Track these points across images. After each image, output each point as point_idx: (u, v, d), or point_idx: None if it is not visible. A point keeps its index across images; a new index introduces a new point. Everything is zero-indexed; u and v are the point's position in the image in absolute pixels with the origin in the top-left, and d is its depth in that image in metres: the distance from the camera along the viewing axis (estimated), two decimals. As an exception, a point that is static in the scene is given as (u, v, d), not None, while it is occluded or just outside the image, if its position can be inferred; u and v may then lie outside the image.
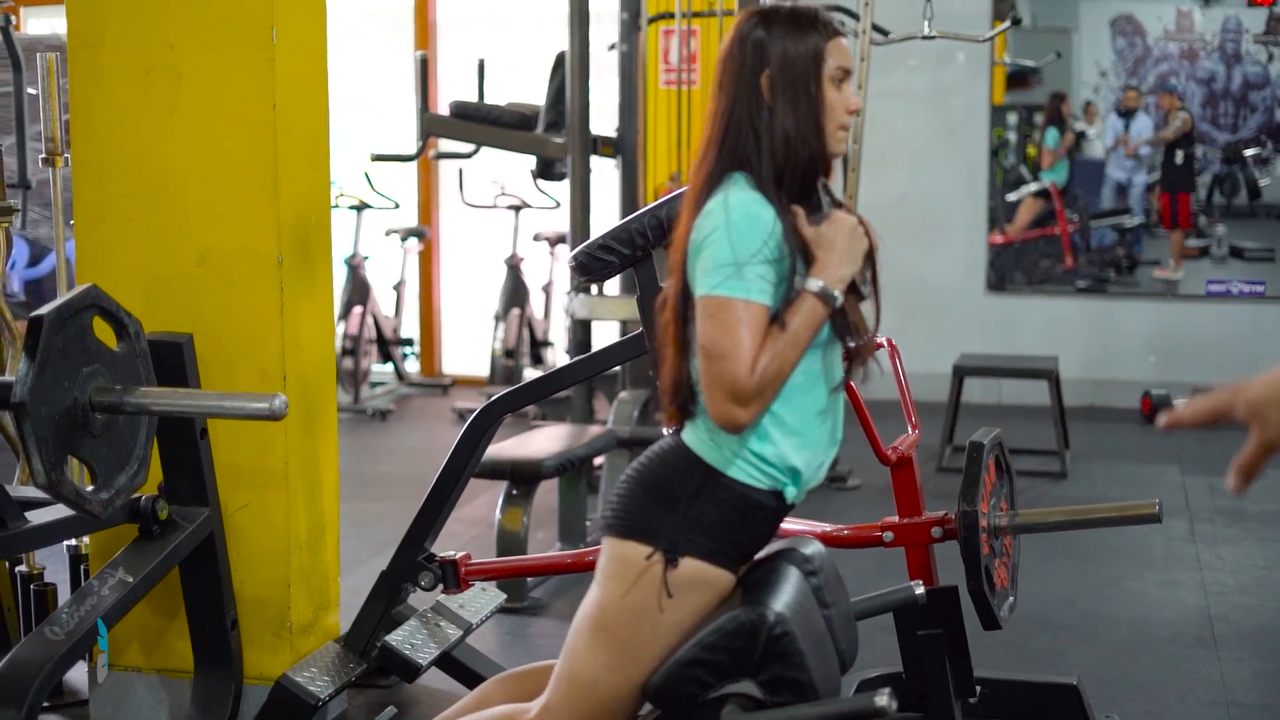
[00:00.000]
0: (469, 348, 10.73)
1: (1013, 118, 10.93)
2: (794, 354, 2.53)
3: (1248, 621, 5.13)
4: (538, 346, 9.97)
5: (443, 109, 7.32)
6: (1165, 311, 10.03)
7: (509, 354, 9.47)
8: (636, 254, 3.72)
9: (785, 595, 2.57)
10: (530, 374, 10.03)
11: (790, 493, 2.64)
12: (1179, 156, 13.50)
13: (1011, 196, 11.41)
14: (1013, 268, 10.51)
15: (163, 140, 3.82)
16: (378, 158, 7.50)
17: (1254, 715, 4.25)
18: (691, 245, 2.60)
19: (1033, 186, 13.77)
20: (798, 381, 2.59)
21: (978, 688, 3.89)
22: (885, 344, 4.01)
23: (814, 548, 2.78)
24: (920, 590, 3.07)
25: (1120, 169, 12.72)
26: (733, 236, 2.52)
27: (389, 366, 10.20)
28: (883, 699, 2.34)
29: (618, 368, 6.94)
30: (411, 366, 10.68)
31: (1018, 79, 10.74)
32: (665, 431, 2.75)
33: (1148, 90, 13.48)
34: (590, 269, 3.74)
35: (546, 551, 5.83)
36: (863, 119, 7.28)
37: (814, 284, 2.55)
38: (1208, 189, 17.54)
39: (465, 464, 3.98)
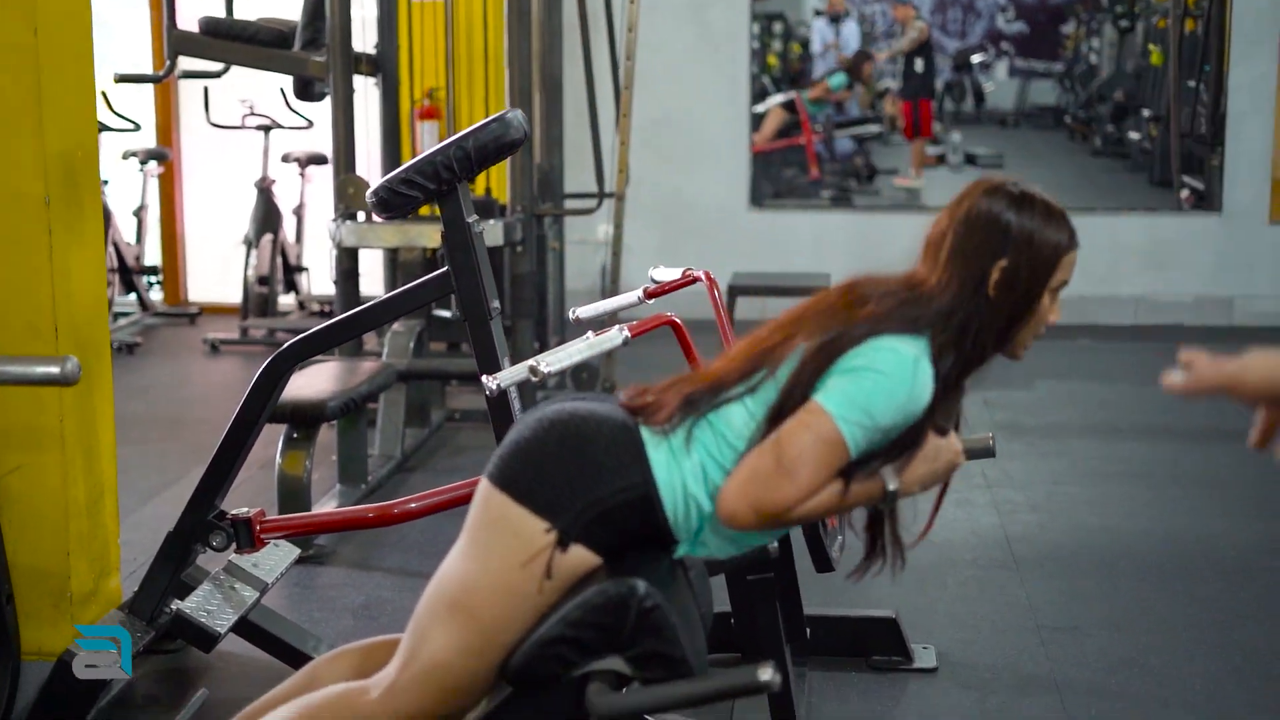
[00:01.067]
0: (216, 274, 10.26)
1: (755, 27, 10.84)
2: (828, 513, 2.44)
3: (1043, 540, 5.16)
4: (291, 273, 9.59)
5: (189, 25, 6.88)
6: (925, 224, 10.08)
7: (262, 281, 9.08)
8: (441, 188, 3.49)
9: (650, 565, 2.40)
10: (285, 301, 9.67)
11: (679, 549, 2.50)
12: (919, 65, 13.67)
13: (759, 108, 11.37)
14: (760, 179, 10.45)
15: (-93, 69, 3.44)
16: (121, 78, 7.04)
17: (1065, 638, 4.24)
18: (856, 353, 2.39)
19: (779, 97, 13.81)
20: None
21: (807, 630, 3.82)
22: (703, 277, 3.85)
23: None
24: (774, 545, 2.94)
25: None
26: (893, 401, 2.36)
27: (132, 297, 9.70)
28: (766, 673, 2.18)
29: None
30: (155, 296, 10.18)
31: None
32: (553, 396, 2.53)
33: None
34: (391, 204, 3.50)
35: (327, 494, 5.57)
36: (635, 35, 7.08)
37: (892, 484, 2.44)
38: (939, 97, 17.87)
39: (258, 416, 3.70)
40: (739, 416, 2.44)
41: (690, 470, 2.43)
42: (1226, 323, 9.74)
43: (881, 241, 9.99)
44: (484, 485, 2.47)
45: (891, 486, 2.44)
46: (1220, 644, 4.22)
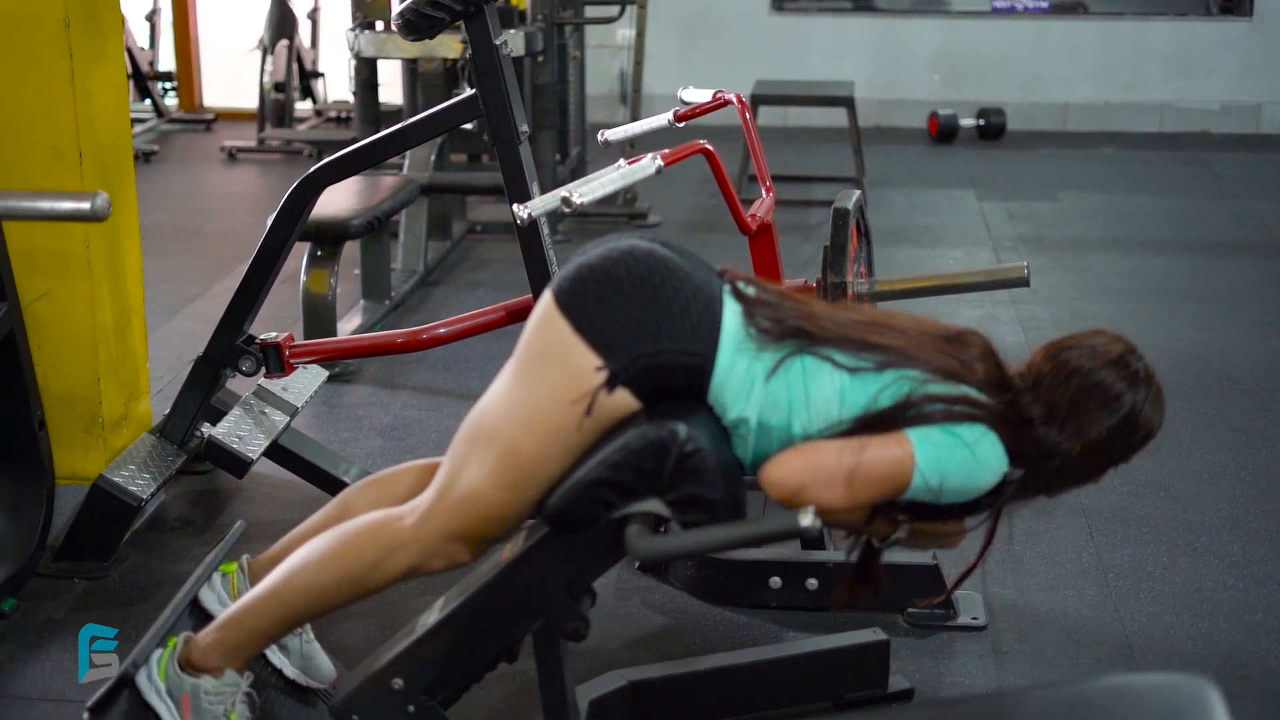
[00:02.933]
0: (231, 79, 10.14)
1: None
2: (843, 523, 2.51)
3: (1068, 358, 5.14)
4: (307, 78, 9.48)
5: None
6: (950, 29, 9.92)
7: (279, 88, 8.98)
8: (469, 8, 3.42)
9: (690, 411, 2.39)
10: (301, 107, 9.57)
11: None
12: None
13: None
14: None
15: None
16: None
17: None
18: (964, 428, 2.39)
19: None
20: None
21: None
22: (734, 99, 3.79)
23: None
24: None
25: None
26: (965, 485, 2.41)
27: (147, 103, 9.61)
28: (806, 519, 2.19)
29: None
30: (170, 102, 10.08)
31: None
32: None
33: None
34: (419, 26, 3.43)
35: (351, 310, 5.57)
36: None
37: (902, 533, 2.51)
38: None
39: (285, 240, 3.67)
40: (829, 387, 2.42)
41: (760, 388, 2.40)
42: (1254, 130, 9.62)
43: (903, 46, 9.82)
44: (548, 302, 2.42)
45: (900, 535, 2.51)
46: (1244, 466, 4.23)
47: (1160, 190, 8.03)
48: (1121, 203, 7.76)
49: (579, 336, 2.37)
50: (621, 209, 7.09)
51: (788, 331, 2.43)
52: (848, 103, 7.46)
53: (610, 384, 2.35)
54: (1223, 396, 4.81)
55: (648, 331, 2.36)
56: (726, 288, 2.47)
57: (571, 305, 2.39)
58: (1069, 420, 2.45)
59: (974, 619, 3.32)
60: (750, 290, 2.48)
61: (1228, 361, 5.15)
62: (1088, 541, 3.76)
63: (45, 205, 2.78)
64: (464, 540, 2.52)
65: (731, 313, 2.42)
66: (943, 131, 9.22)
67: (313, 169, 3.61)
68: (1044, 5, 9.93)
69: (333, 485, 3.79)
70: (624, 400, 2.37)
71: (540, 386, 2.40)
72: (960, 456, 2.38)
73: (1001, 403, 2.43)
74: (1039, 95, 9.71)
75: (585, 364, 2.36)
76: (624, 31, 9.08)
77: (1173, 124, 9.69)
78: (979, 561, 2.66)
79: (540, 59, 6.64)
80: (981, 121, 9.33)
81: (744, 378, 2.40)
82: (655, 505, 2.33)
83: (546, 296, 2.43)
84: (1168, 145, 9.28)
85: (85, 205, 2.70)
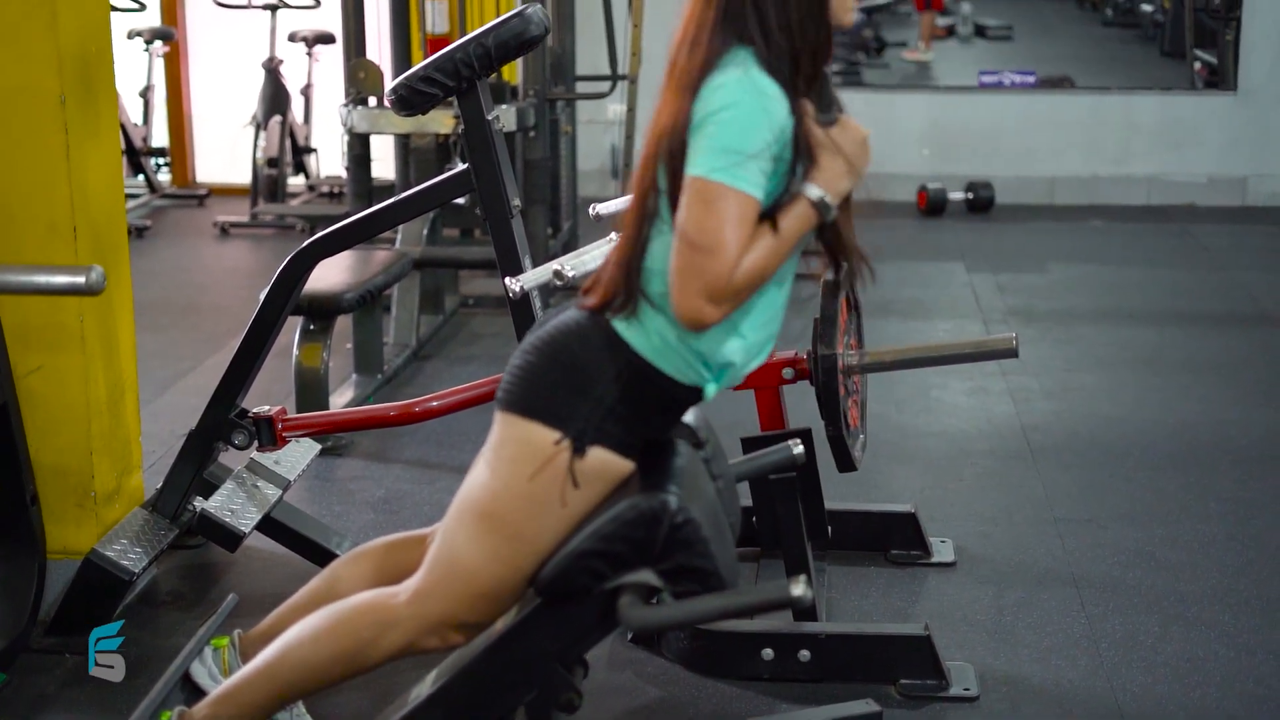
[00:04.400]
0: (224, 155, 10.19)
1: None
2: (778, 259, 2.36)
3: (1058, 429, 5.17)
4: (300, 154, 9.53)
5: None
6: (938, 104, 10.00)
7: (272, 163, 9.01)
8: (461, 85, 3.47)
9: (682, 477, 2.41)
10: (294, 183, 9.61)
11: (710, 390, 2.48)
12: (932, -62, 13.55)
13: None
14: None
15: (-82, -34, 3.39)
16: (127, -40, 6.94)
17: (1081, 530, 4.27)
18: (695, 118, 2.33)
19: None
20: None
21: (829, 526, 3.84)
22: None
23: (693, 413, 2.62)
24: (799, 450, 2.95)
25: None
26: (745, 122, 2.29)
27: (140, 179, 9.65)
28: (798, 588, 2.20)
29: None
30: (163, 177, 10.12)
31: None
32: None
33: None
34: (412, 102, 3.48)
35: (344, 384, 5.59)
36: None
37: (814, 192, 2.37)
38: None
39: (278, 314, 3.70)
40: (660, 247, 2.42)
41: (661, 321, 2.42)
42: (1240, 203, 9.68)
43: (892, 120, 9.88)
44: (497, 414, 2.48)
45: (814, 195, 2.37)
46: (1234, 536, 4.24)
47: (1148, 262, 8.08)
48: (1110, 274, 7.80)
49: (531, 421, 2.41)
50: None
51: (622, 284, 2.43)
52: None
53: (578, 449, 2.38)
54: (1213, 466, 4.82)
55: (579, 386, 2.40)
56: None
57: (513, 402, 2.45)
58: None
59: (966, 690, 3.32)
60: (590, 294, 2.49)
61: (1217, 431, 5.16)
62: (1079, 611, 3.76)
63: (40, 279, 2.81)
64: (458, 622, 2.53)
65: (621, 324, 2.44)
66: (932, 205, 9.28)
67: (306, 243, 3.64)
68: (1031, 80, 10.01)
69: (325, 559, 3.78)
70: (602, 459, 2.39)
71: (514, 468, 2.43)
72: (713, 126, 2.31)
73: (694, 45, 2.37)
74: (1027, 169, 9.77)
75: (545, 439, 2.39)
76: (615, 107, 9.13)
77: (1160, 197, 9.74)
78: (811, 153, 2.41)
79: (532, 134, 6.69)
80: (970, 195, 9.38)
81: (658, 330, 2.42)
82: (647, 576, 2.34)
83: (495, 410, 2.48)
84: (1155, 218, 9.33)
85: (80, 279, 2.72)
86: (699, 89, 2.34)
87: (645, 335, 2.42)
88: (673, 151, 2.35)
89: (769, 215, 2.35)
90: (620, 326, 2.43)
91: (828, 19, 2.41)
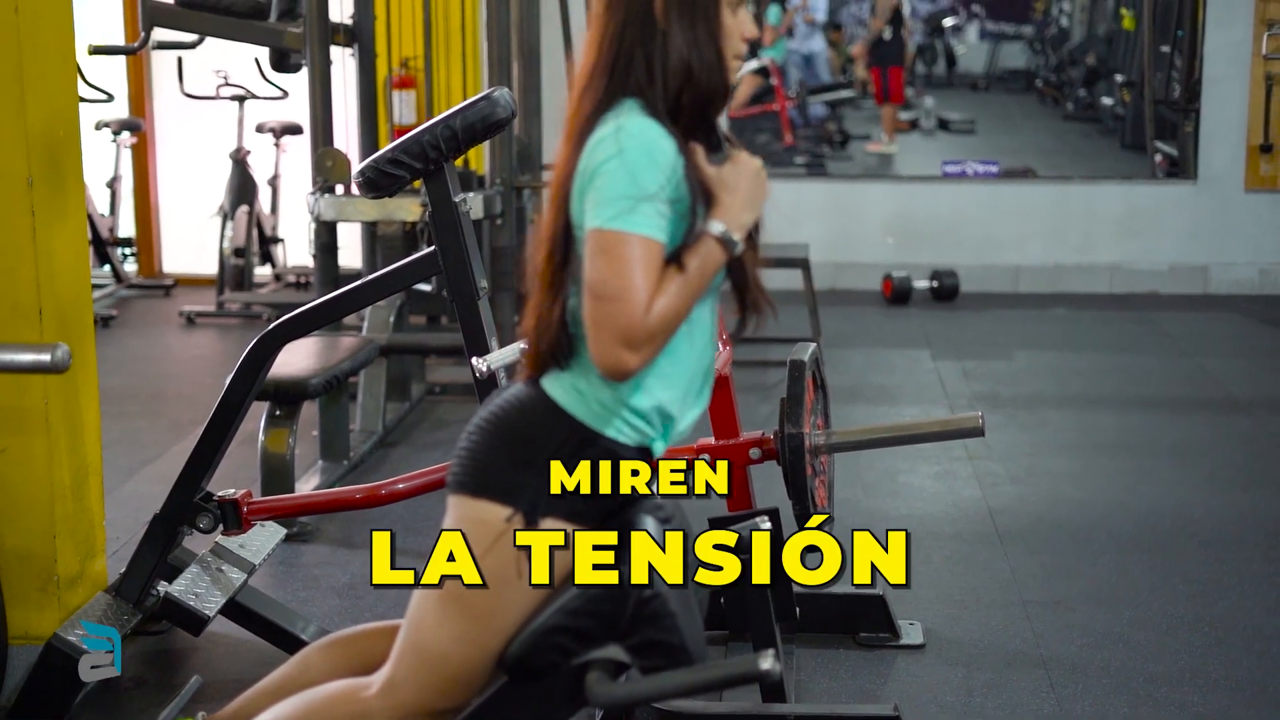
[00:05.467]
0: (191, 246, 10.21)
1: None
2: (690, 299, 2.33)
3: (1024, 513, 5.17)
4: (267, 244, 9.54)
5: (164, -4, 6.81)
6: (902, 193, 10.09)
7: (238, 253, 9.03)
8: (429, 167, 3.48)
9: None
10: (261, 273, 9.62)
11: (658, 447, 2.47)
12: (887, 32, 13.72)
13: (734, 75, 11.30)
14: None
15: (-113, 49, 3.40)
16: (96, 50, 6.93)
17: (1050, 613, 4.27)
18: (580, 175, 2.35)
19: (752, 64, 13.78)
20: (679, 329, 2.38)
21: (797, 608, 3.83)
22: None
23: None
24: (768, 526, 2.94)
25: (802, 39, 12.82)
26: (631, 168, 2.28)
27: (106, 269, 9.65)
28: (767, 662, 2.19)
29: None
30: (130, 268, 10.12)
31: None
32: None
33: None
34: (379, 184, 3.49)
35: (309, 470, 5.56)
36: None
37: (716, 227, 2.34)
38: (911, 60, 17.86)
39: (244, 395, 3.68)
40: (574, 304, 2.42)
41: (593, 381, 2.41)
42: (1202, 291, 9.77)
43: (857, 210, 9.98)
44: (448, 498, 2.47)
45: (716, 230, 2.35)
46: (1202, 618, 4.24)
47: (1112, 349, 8.13)
48: (1075, 361, 7.84)
49: (479, 500, 2.40)
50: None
51: (545, 346, 2.44)
52: (803, 264, 7.57)
53: (530, 523, 2.36)
54: (1178, 549, 4.83)
55: (521, 459, 2.39)
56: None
57: (461, 483, 2.44)
58: (623, 16, 2.37)
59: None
60: (522, 362, 2.51)
61: (1182, 514, 5.18)
62: (1049, 692, 3.75)
63: (5, 357, 2.80)
64: (432, 708, 2.50)
65: (553, 383, 2.44)
66: (897, 293, 9.33)
67: (273, 324, 3.64)
68: (994, 170, 10.11)
69: (291, 643, 3.76)
70: (556, 529, 2.37)
71: (477, 549, 2.41)
72: (601, 179, 2.31)
73: (582, 99, 2.40)
74: (991, 257, 9.85)
75: (495, 516, 2.38)
76: (581, 196, 9.17)
77: (1123, 285, 9.83)
78: (707, 191, 2.39)
79: (499, 221, 6.72)
80: (935, 283, 9.45)
81: (590, 391, 2.42)
82: (615, 651, 2.33)
83: (447, 493, 2.47)
84: (1118, 305, 9.41)
85: (46, 357, 2.71)
86: (584, 138, 2.36)
87: (581, 399, 2.41)
88: (563, 201, 2.38)
89: (676, 259, 2.34)
90: (557, 394, 2.42)
91: (715, 76, 2.41)
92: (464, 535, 2.40)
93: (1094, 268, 9.86)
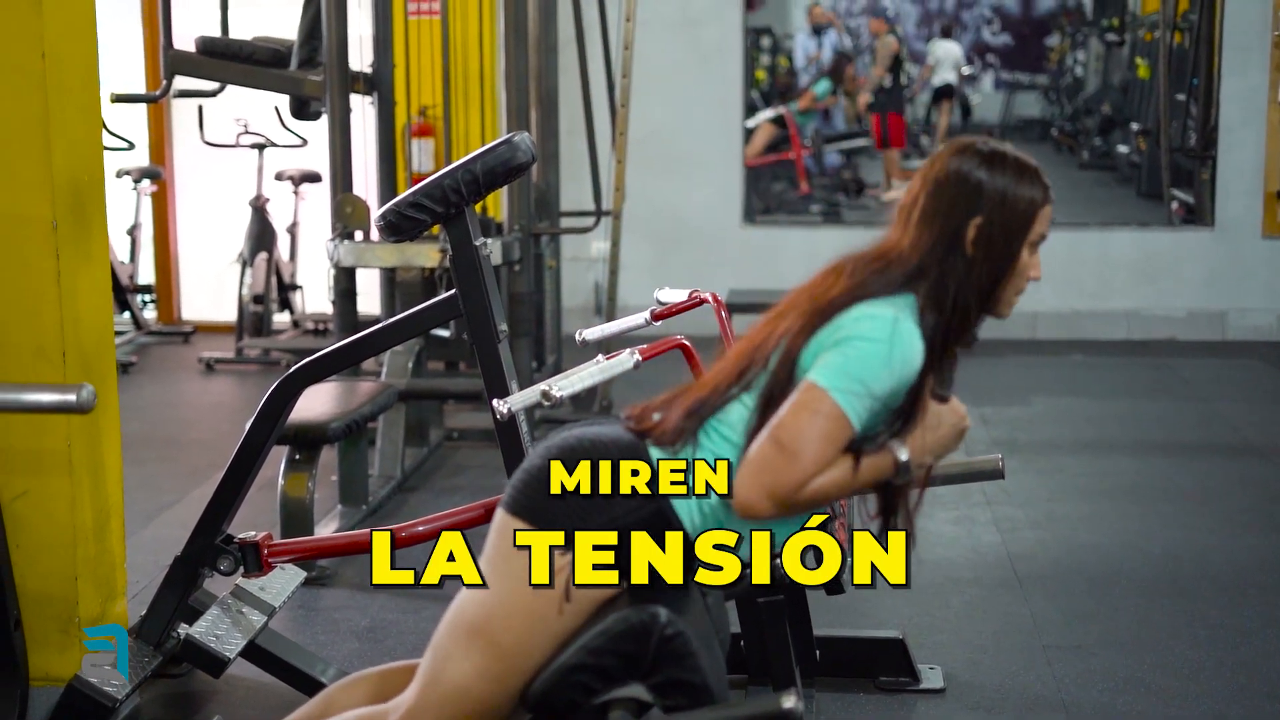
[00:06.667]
0: (210, 293, 10.26)
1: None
2: (843, 492, 2.41)
3: (1044, 558, 5.16)
4: (286, 291, 9.58)
5: (186, 44, 6.88)
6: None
7: (257, 300, 9.07)
8: (450, 210, 3.51)
9: (671, 591, 2.41)
10: (280, 320, 9.66)
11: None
12: (886, 80, 13.78)
13: (749, 123, 11.37)
14: (748, 193, 10.44)
15: (-84, 95, 3.44)
16: (118, 98, 7.01)
17: (1070, 657, 4.25)
18: (838, 326, 2.40)
19: (768, 113, 13.84)
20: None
21: (817, 651, 3.82)
22: (710, 298, 3.87)
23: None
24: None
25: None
26: (885, 364, 2.36)
27: (126, 316, 9.69)
28: (790, 701, 2.19)
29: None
30: (149, 315, 10.18)
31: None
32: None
33: (860, 12, 13.47)
34: (400, 228, 3.51)
35: (328, 515, 5.57)
36: (631, 52, 7.10)
37: (903, 453, 2.42)
38: (926, 109, 17.90)
39: (265, 438, 3.71)
40: (736, 413, 2.47)
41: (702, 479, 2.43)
42: (1220, 337, 9.77)
43: (874, 257, 9.98)
44: (501, 515, 2.48)
45: (903, 457, 2.42)
46: (1223, 662, 4.22)
47: (1129, 394, 8.13)
48: (1092, 407, 7.84)
49: (536, 527, 2.41)
50: (597, 415, 7.13)
51: (679, 423, 2.47)
52: (820, 310, 7.56)
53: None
54: (1198, 594, 4.81)
55: (596, 505, 2.39)
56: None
57: (521, 507, 2.46)
58: (931, 229, 2.46)
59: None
60: (642, 420, 2.53)
61: (1201, 559, 5.17)
62: (1070, 737, 3.74)
63: (30, 398, 2.81)
64: None
65: (654, 450, 2.46)
66: (914, 339, 9.33)
67: (294, 368, 3.66)
68: (1010, 216, 10.11)
69: (310, 686, 3.76)
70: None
71: (512, 578, 2.42)
72: (854, 350, 2.36)
73: (872, 270, 2.44)
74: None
75: (550, 551, 2.39)
76: (598, 244, 9.22)
77: (1140, 331, 9.83)
78: (916, 416, 2.47)
79: (517, 268, 6.75)
80: (952, 330, 9.44)
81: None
82: (637, 690, 2.33)
83: (499, 511, 2.49)
84: (1135, 352, 9.41)
85: (71, 397, 2.73)
86: (844, 309, 2.40)
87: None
88: (787, 354, 2.42)
89: (853, 448, 2.39)
90: (655, 452, 2.46)
91: (989, 308, 2.52)
92: (512, 569, 2.40)
93: (1111, 314, 9.86)
